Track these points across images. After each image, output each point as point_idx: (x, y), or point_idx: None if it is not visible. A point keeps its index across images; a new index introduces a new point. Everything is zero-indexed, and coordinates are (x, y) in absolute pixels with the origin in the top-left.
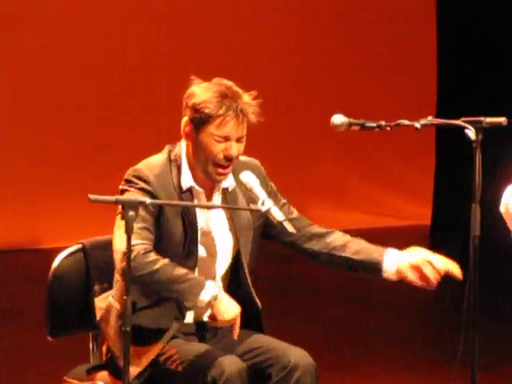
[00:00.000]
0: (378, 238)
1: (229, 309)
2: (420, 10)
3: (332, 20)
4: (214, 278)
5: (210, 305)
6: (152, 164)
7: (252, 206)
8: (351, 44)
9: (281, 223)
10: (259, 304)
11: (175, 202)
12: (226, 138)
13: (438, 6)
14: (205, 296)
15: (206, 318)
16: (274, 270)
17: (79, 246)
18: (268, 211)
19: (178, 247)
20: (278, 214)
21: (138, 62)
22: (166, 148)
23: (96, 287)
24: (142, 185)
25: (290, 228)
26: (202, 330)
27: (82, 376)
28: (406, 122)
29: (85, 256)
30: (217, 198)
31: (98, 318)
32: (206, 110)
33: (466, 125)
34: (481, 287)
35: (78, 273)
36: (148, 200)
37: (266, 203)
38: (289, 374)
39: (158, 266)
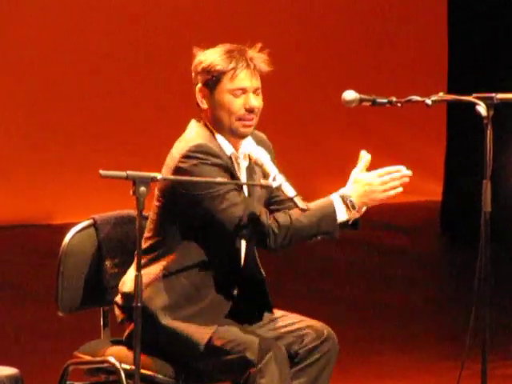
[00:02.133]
0: (388, 213)
1: (368, 195)
2: None
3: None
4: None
5: (355, 211)
6: (205, 136)
7: (263, 182)
8: (360, 18)
9: (292, 199)
10: (263, 272)
11: (187, 178)
12: (243, 91)
13: None
14: (341, 216)
15: None
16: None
17: (90, 221)
18: (279, 187)
19: None
20: (289, 190)
21: (148, 38)
22: (194, 121)
23: (107, 263)
24: (213, 160)
25: (301, 204)
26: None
27: (93, 351)
28: (417, 98)
29: (96, 231)
30: (243, 163)
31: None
32: (217, 67)
33: (477, 101)
34: (493, 264)
35: (90, 248)
36: (159, 175)
37: (277, 178)
38: (323, 343)
39: (291, 231)
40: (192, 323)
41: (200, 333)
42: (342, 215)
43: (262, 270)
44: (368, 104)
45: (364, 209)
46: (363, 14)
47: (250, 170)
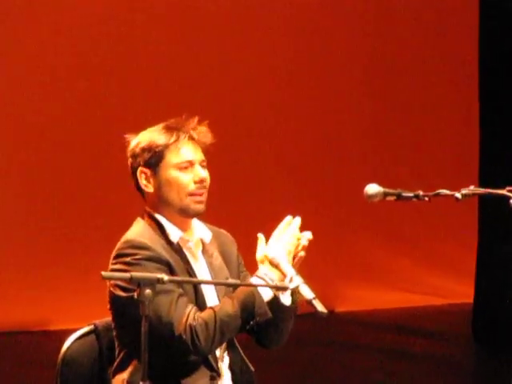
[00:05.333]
0: (416, 317)
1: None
2: (461, 71)
3: (365, 82)
4: None
5: (278, 291)
6: (137, 232)
7: (279, 284)
8: (386, 108)
9: (310, 302)
10: (251, 366)
11: (194, 279)
12: (190, 163)
13: (480, 69)
14: (266, 293)
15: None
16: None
17: (91, 327)
18: (297, 289)
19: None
20: (307, 292)
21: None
22: (138, 218)
23: (110, 372)
24: (143, 253)
25: (320, 307)
26: None
27: None
28: (446, 191)
29: (97, 338)
30: (198, 248)
31: None
32: (159, 142)
33: None
34: None
35: (90, 356)
36: (165, 277)
37: (294, 280)
38: None
39: (215, 328)
40: None
41: None
42: (267, 292)
43: (249, 366)
44: (392, 198)
45: (292, 279)
46: (387, 103)
47: (207, 254)
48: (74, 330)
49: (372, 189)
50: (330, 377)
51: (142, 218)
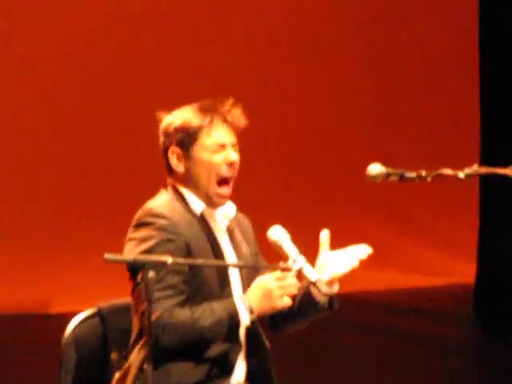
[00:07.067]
0: (417, 297)
1: (266, 300)
2: (462, 54)
3: (369, 66)
4: None
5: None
6: (159, 202)
7: (282, 265)
8: (386, 87)
9: (314, 283)
10: (267, 343)
11: (198, 261)
12: (222, 146)
13: (481, 51)
14: (244, 319)
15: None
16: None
17: (95, 309)
18: (300, 270)
19: (213, 284)
20: (310, 274)
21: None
22: (161, 190)
23: (113, 355)
24: (160, 222)
25: (324, 288)
26: None
27: None
28: (449, 171)
29: (101, 321)
30: (222, 222)
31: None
32: (193, 124)
33: None
34: None
35: (94, 340)
36: (169, 259)
37: (297, 261)
38: None
39: (183, 330)
40: None
41: None
42: (245, 318)
43: (266, 343)
44: (395, 179)
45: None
46: (388, 82)
47: (231, 231)
48: (76, 313)
49: (374, 169)
50: (332, 359)
51: (165, 190)
